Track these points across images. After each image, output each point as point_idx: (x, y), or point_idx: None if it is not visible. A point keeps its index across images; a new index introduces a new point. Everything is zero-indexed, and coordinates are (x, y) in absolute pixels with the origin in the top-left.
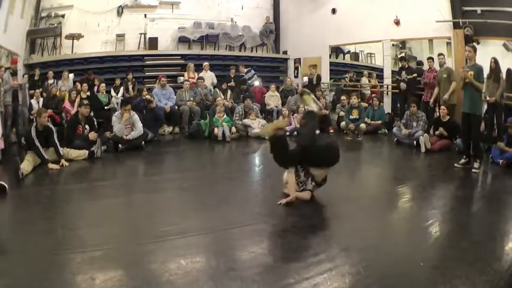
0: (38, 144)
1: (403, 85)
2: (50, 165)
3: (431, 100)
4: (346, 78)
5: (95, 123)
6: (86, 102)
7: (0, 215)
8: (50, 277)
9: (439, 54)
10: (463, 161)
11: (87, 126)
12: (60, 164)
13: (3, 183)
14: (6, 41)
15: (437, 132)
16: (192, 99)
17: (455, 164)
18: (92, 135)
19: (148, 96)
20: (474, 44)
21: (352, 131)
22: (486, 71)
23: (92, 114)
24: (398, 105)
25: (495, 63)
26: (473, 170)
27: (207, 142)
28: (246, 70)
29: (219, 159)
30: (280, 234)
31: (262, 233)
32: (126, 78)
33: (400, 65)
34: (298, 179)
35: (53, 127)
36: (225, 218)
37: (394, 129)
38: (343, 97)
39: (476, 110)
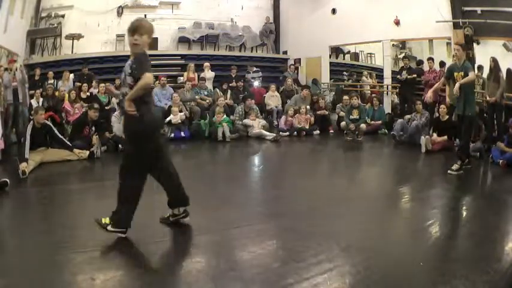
0: (27, 143)
1: (403, 77)
2: (22, 166)
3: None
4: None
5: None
6: (95, 106)
7: (1, 214)
8: (50, 277)
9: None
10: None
11: (93, 128)
12: (79, 153)
13: (5, 179)
14: (6, 41)
15: (434, 137)
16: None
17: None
18: (94, 140)
19: None
20: (463, 43)
21: (352, 131)
22: (486, 71)
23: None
24: (399, 105)
25: (494, 62)
26: (449, 171)
27: (207, 142)
28: (254, 69)
29: (219, 159)
30: (280, 234)
31: (262, 233)
32: None
33: (402, 64)
34: None
35: (50, 124)
36: (225, 218)
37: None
38: (345, 97)
39: (469, 111)
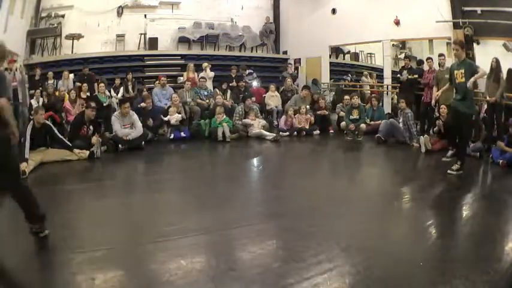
0: (27, 143)
1: (404, 77)
2: (22, 166)
3: (433, 101)
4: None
5: (101, 126)
6: (93, 105)
7: (1, 214)
8: (50, 277)
9: (440, 55)
10: (451, 153)
11: (91, 127)
12: (79, 153)
13: None
14: (6, 41)
15: (435, 129)
16: (191, 99)
17: (443, 158)
18: (94, 139)
19: (143, 104)
20: (462, 40)
21: (352, 131)
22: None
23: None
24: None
25: (496, 63)
26: (449, 171)
27: (207, 142)
28: (247, 72)
29: (219, 159)
30: (280, 234)
31: (262, 233)
32: (126, 79)
33: (403, 64)
34: None
35: (50, 124)
36: (225, 218)
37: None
38: (346, 97)
39: (468, 109)
